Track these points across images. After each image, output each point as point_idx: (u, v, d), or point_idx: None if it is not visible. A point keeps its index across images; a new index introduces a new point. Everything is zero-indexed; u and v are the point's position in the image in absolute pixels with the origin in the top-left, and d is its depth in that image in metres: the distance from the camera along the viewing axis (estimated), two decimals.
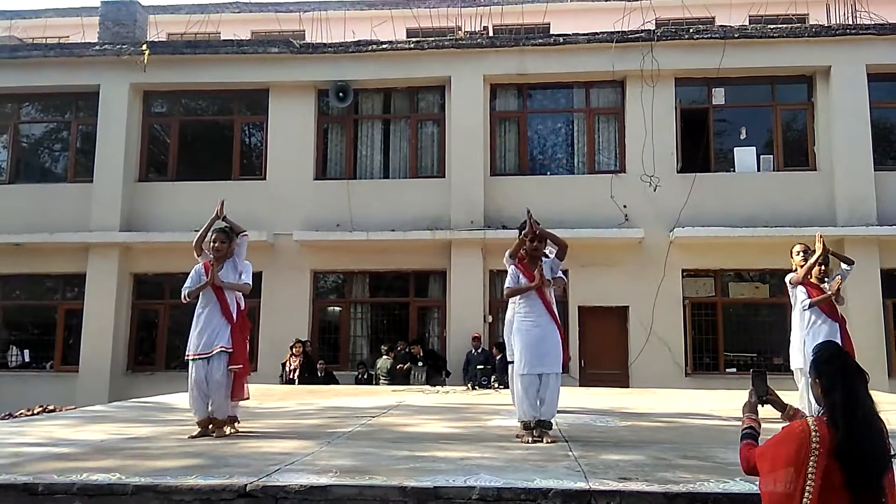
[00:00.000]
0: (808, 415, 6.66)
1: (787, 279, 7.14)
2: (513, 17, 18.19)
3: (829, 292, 6.77)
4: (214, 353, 5.91)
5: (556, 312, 5.91)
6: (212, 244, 6.14)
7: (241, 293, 6.31)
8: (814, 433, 2.67)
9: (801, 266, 6.95)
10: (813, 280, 6.87)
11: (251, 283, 6.35)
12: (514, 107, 15.24)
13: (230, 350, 5.94)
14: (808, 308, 6.80)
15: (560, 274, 6.11)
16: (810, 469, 2.62)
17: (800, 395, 6.87)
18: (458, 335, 13.85)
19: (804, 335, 6.79)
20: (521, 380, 5.70)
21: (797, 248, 7.11)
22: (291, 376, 12.91)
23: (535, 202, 13.94)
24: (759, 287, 14.22)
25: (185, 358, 6.07)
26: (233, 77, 15.15)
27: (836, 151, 13.88)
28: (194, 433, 5.86)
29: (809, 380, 2.98)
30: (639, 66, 14.17)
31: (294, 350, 13.11)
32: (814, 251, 6.92)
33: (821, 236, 6.95)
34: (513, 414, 6.25)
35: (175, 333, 14.19)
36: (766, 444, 2.88)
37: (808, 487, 2.61)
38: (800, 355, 6.90)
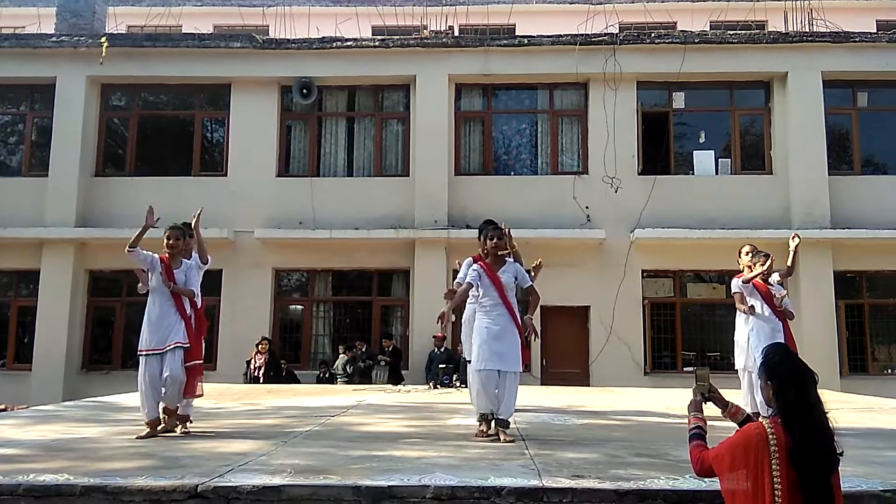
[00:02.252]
0: (749, 411, 6.83)
1: (734, 285, 7.26)
2: (478, 17, 18.21)
3: (776, 296, 6.93)
4: (169, 348, 5.81)
5: (518, 314, 5.95)
6: (165, 240, 6.05)
7: (196, 291, 6.24)
8: (771, 436, 2.71)
9: (749, 266, 7.11)
10: (759, 281, 7.03)
11: (196, 291, 6.20)
12: (478, 107, 15.30)
13: (186, 346, 5.85)
14: (749, 310, 6.94)
15: (530, 282, 6.10)
16: (774, 472, 2.67)
17: (742, 394, 7.04)
18: (420, 334, 13.85)
19: (749, 333, 6.94)
20: (479, 375, 5.71)
21: (745, 248, 7.27)
22: (256, 374, 12.77)
23: (499, 202, 14.11)
24: (717, 288, 14.48)
25: (138, 353, 5.95)
26: (194, 71, 14.93)
27: (791, 156, 14.21)
28: (143, 433, 5.75)
29: (760, 381, 3.03)
30: (602, 69, 14.34)
31: (260, 348, 12.96)
32: (762, 254, 7.08)
33: (796, 235, 7.16)
34: (472, 413, 6.25)
35: (132, 331, 13.90)
36: (721, 446, 2.90)
37: (776, 490, 2.65)
38: (743, 354, 7.05)
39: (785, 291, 7.11)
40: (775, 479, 2.66)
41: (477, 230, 6.39)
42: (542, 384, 13.29)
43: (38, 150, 15.46)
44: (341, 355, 13.47)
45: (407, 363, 14.06)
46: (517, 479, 4.05)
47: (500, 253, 5.93)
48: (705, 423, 3.14)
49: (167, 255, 6.09)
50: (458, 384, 11.72)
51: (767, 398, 2.93)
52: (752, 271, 7.09)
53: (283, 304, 15.04)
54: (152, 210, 6.12)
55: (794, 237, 7.11)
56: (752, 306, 6.93)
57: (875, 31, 16.87)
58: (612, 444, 5.52)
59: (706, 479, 4.00)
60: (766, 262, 7.00)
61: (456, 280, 6.11)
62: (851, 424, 6.97)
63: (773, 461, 2.68)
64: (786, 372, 2.84)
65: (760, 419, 2.91)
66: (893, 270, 14.14)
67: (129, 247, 5.97)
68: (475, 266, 5.97)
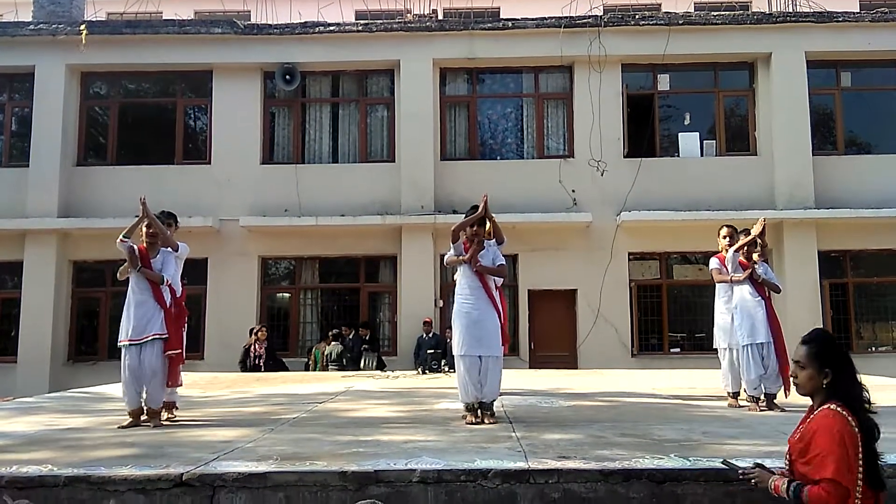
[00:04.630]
0: (730, 390, 6.85)
1: (712, 262, 7.24)
2: (462, 0, 18.10)
3: (746, 271, 6.86)
4: (148, 339, 5.78)
5: (497, 298, 6.00)
6: (144, 229, 6.01)
7: (176, 280, 6.20)
8: (851, 421, 2.74)
9: (727, 248, 7.07)
10: (742, 259, 6.97)
11: (169, 276, 6.10)
12: (463, 91, 15.22)
13: (165, 336, 5.82)
14: (732, 279, 6.90)
15: (501, 261, 6.13)
16: (860, 456, 2.71)
17: (723, 373, 7.09)
18: (409, 320, 13.85)
19: (732, 312, 6.92)
20: (462, 361, 5.78)
21: (724, 230, 7.23)
22: (257, 363, 12.64)
23: (485, 187, 13.83)
24: (703, 269, 14.40)
25: (119, 344, 5.91)
26: (175, 58, 14.75)
27: (775, 137, 14.25)
28: (125, 423, 5.73)
29: (805, 371, 2.91)
30: (586, 51, 14.29)
31: (258, 335, 12.83)
32: (743, 232, 7.03)
33: (764, 220, 7.06)
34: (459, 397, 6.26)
35: (117, 322, 13.46)
36: (834, 459, 2.70)
37: (860, 472, 2.69)
38: (725, 334, 7.04)
39: (762, 268, 6.97)
40: (860, 463, 2.70)
41: (464, 215, 6.40)
42: (529, 367, 13.34)
43: (18, 140, 15.27)
44: (334, 343, 13.33)
45: (395, 349, 14.07)
46: (503, 461, 4.06)
47: (479, 238, 5.96)
48: (774, 472, 3.03)
49: (145, 244, 6.04)
50: (446, 369, 11.74)
51: (816, 387, 2.86)
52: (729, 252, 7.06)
53: (270, 293, 14.98)
54: (144, 201, 6.04)
55: (761, 220, 7.03)
56: (734, 277, 6.88)
57: (858, 10, 16.91)
58: (598, 425, 5.54)
59: (690, 458, 4.04)
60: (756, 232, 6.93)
61: (446, 258, 6.13)
62: None
63: (859, 445, 2.71)
64: (842, 359, 2.85)
65: (829, 409, 2.82)
66: (877, 249, 14.27)
67: (123, 237, 5.95)
68: (459, 243, 6.01)
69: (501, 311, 6.20)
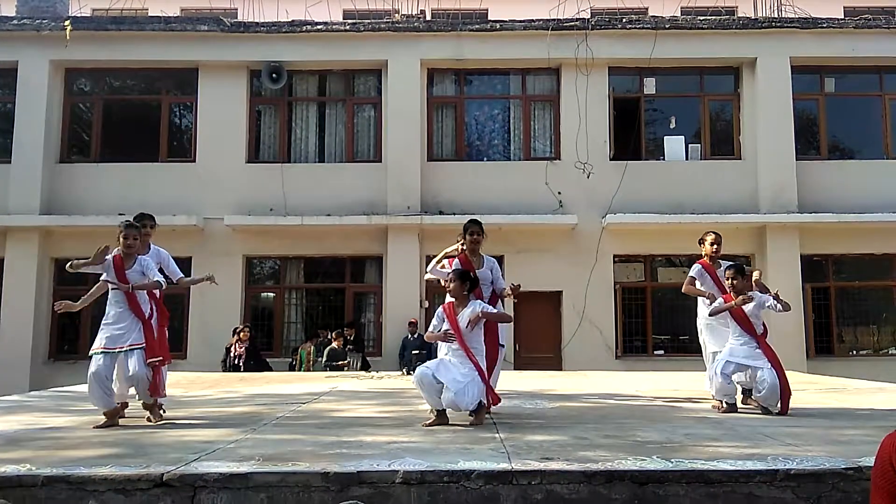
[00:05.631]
0: (712, 392, 6.76)
1: (693, 270, 7.05)
2: (450, 1, 18.10)
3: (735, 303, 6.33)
4: (125, 350, 5.70)
5: (476, 355, 5.73)
6: (122, 240, 5.86)
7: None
8: None
9: (711, 253, 7.03)
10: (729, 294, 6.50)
11: (161, 279, 6.09)
12: (451, 92, 15.23)
13: (142, 346, 5.74)
14: (710, 315, 6.61)
15: (492, 309, 6.03)
16: None
17: (706, 375, 7.07)
18: (394, 320, 13.84)
19: (706, 325, 6.94)
20: (415, 373, 5.72)
21: (710, 237, 7.17)
22: (237, 363, 12.54)
23: (472, 188, 14.12)
24: (687, 272, 14.54)
25: (91, 352, 5.76)
26: (160, 55, 14.65)
27: (760, 141, 14.38)
28: (100, 423, 5.65)
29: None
30: (573, 54, 14.35)
31: (241, 335, 12.73)
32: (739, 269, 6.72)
33: (759, 272, 6.74)
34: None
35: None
36: None
37: None
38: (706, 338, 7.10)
39: (755, 302, 6.34)
40: None
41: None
42: (514, 369, 13.34)
43: (0, 136, 15.08)
44: (333, 344, 13.13)
45: (380, 349, 14.04)
46: (486, 462, 4.06)
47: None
48: None
49: (121, 254, 5.89)
50: None
51: None
52: (710, 259, 7.06)
53: (255, 292, 14.91)
54: (108, 250, 5.81)
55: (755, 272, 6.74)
56: (711, 294, 6.71)
57: (842, 17, 17.08)
58: (581, 426, 5.55)
59: (672, 459, 4.06)
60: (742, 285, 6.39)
61: (428, 330, 6.02)
62: (817, 405, 7.12)
63: None
64: None
65: None
66: (859, 254, 14.44)
67: (70, 268, 5.79)
68: (438, 311, 5.91)
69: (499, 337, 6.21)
